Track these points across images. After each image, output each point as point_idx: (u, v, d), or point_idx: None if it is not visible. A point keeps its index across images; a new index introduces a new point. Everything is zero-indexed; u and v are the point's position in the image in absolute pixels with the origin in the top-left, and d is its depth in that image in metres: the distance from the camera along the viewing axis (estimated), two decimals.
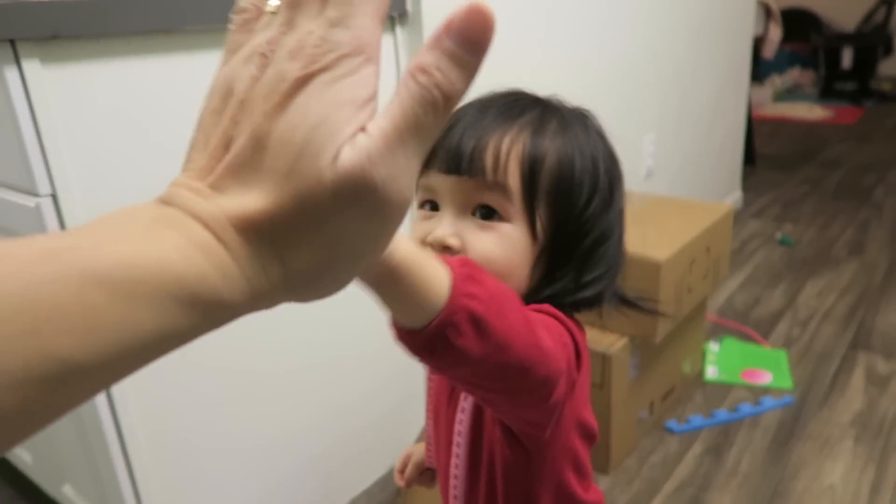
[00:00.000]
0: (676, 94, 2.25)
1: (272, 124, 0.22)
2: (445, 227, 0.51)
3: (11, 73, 0.77)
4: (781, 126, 4.60)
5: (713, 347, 1.86)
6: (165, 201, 0.23)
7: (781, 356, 1.81)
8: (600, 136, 0.57)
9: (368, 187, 0.22)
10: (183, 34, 0.92)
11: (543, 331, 0.43)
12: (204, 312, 0.21)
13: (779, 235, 2.64)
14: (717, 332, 1.95)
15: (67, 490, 1.21)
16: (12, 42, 0.77)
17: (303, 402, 1.22)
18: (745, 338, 1.93)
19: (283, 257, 0.23)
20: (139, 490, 1.00)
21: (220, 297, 0.21)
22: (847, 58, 5.34)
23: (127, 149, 0.89)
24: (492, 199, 0.51)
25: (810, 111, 4.92)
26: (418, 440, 0.77)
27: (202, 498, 1.10)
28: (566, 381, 0.46)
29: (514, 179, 0.51)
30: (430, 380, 0.65)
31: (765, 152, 3.82)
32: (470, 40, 0.23)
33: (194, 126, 0.25)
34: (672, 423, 1.56)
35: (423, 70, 0.23)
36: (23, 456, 1.32)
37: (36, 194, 0.82)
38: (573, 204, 0.53)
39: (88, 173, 0.86)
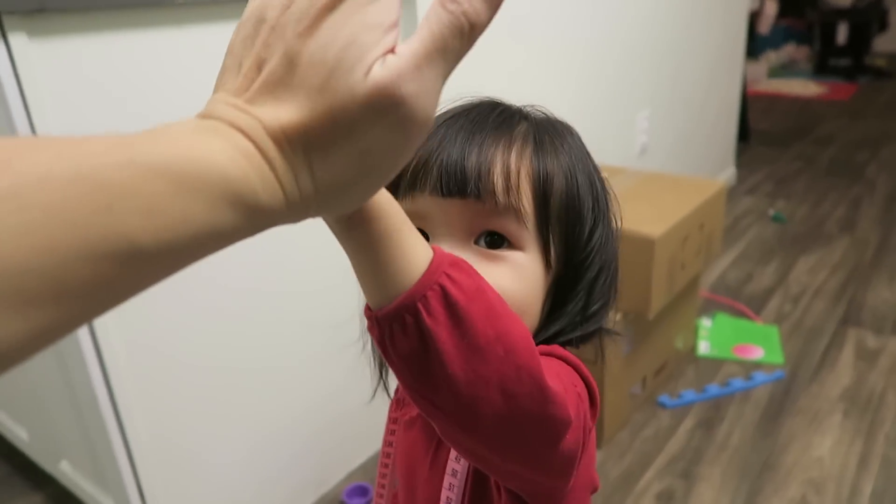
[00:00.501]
0: (670, 71, 2.24)
1: (304, 45, 0.24)
2: None
3: None
4: (775, 102, 4.59)
5: (705, 323, 1.87)
6: (205, 115, 0.24)
7: (773, 332, 1.83)
8: (585, 147, 0.51)
9: (397, 101, 0.24)
10: (172, 8, 0.90)
11: (552, 374, 0.36)
12: (246, 214, 0.23)
13: (771, 212, 2.65)
14: (709, 308, 1.97)
15: (65, 466, 1.22)
16: None
17: (298, 386, 1.23)
18: (738, 314, 1.94)
19: (313, 168, 0.24)
20: (136, 466, 1.00)
21: (260, 201, 0.23)
22: (842, 33, 5.32)
23: (116, 123, 0.88)
24: (502, 225, 0.44)
25: (804, 87, 4.92)
26: None
27: (200, 473, 1.11)
28: (576, 437, 0.39)
29: (527, 201, 0.44)
30: (388, 444, 0.57)
31: (758, 128, 3.82)
32: None
33: (225, 53, 0.27)
34: (664, 398, 1.58)
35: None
36: (19, 433, 1.32)
37: None
38: (582, 227, 0.47)
39: None
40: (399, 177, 0.44)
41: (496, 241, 0.45)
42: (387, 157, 0.26)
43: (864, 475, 1.33)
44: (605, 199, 0.50)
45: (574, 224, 0.47)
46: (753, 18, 3.22)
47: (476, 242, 0.45)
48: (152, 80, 0.90)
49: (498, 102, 0.50)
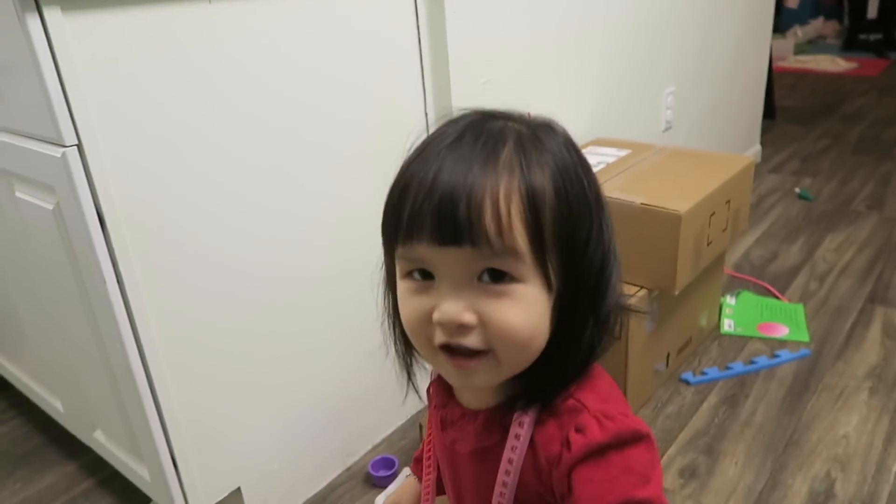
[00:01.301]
0: (696, 46, 2.20)
1: None
2: (454, 301, 0.46)
3: (33, 22, 0.77)
4: (802, 78, 4.50)
5: (730, 301, 1.86)
6: None
7: (798, 310, 1.81)
8: (571, 145, 0.50)
9: None
10: None
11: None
12: None
13: (797, 190, 2.61)
14: (733, 285, 1.95)
15: (98, 435, 1.25)
16: None
17: (324, 365, 1.24)
18: (762, 292, 1.93)
19: None
20: (170, 437, 1.03)
21: None
22: (873, 7, 5.18)
23: (150, 97, 0.89)
24: (501, 264, 0.45)
25: (832, 63, 4.80)
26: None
27: (231, 445, 1.13)
28: None
29: (521, 238, 0.45)
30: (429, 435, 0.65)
31: (784, 105, 3.75)
32: None
33: None
34: (688, 375, 1.58)
35: None
36: (53, 403, 1.36)
37: (62, 144, 0.83)
38: (578, 238, 0.48)
39: (112, 122, 0.86)
40: (397, 225, 0.46)
41: (498, 275, 0.46)
42: None
43: (890, 452, 1.32)
44: (597, 194, 0.50)
45: (570, 239, 0.47)
46: None
47: (479, 279, 0.46)
48: (186, 53, 0.91)
49: (482, 123, 0.48)
